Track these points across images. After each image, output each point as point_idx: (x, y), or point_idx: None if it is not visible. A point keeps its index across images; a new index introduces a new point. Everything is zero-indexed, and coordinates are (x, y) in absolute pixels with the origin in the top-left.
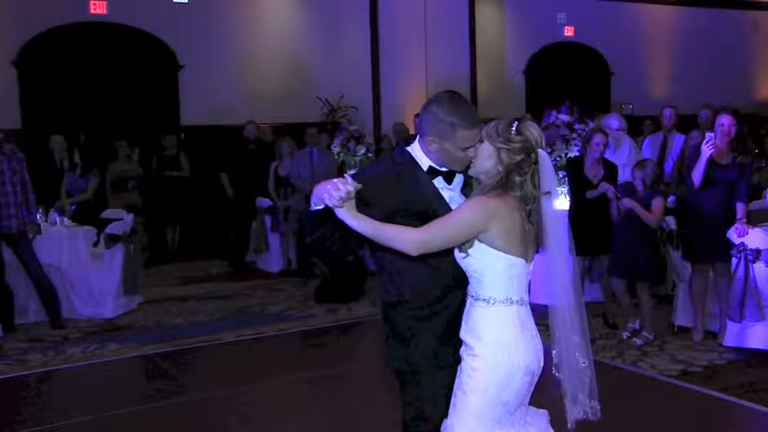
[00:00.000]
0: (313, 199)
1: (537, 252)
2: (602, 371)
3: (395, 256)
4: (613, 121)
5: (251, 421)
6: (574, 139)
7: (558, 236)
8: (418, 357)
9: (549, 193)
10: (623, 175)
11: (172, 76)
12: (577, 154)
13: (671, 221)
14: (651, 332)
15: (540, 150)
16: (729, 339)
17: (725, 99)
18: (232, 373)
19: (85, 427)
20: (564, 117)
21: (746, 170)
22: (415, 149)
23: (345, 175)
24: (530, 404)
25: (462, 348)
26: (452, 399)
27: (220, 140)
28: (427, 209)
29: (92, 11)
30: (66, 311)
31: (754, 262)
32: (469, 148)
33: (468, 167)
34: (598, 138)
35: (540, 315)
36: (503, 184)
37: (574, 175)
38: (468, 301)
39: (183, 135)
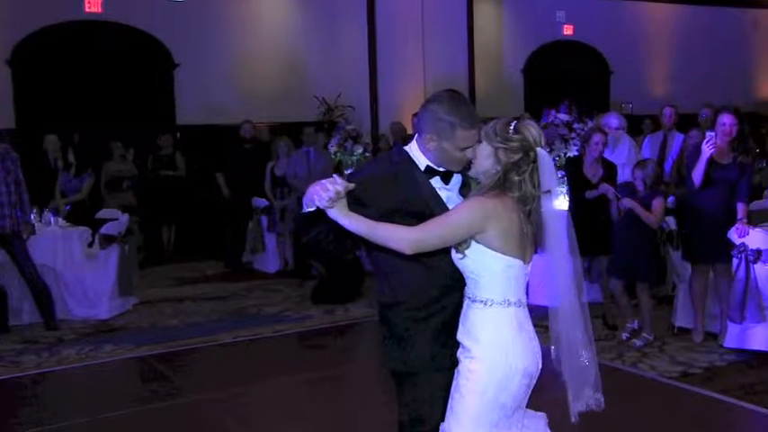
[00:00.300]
0: (304, 201)
1: (536, 252)
2: (602, 372)
3: (391, 256)
4: (613, 120)
5: (248, 423)
6: (573, 138)
7: (559, 235)
8: (415, 359)
9: (549, 192)
10: (622, 175)
11: (167, 74)
12: (576, 153)
13: (671, 221)
14: (651, 333)
15: (538, 149)
16: (730, 341)
17: (725, 98)
18: (229, 374)
19: (80, 430)
20: (563, 116)
21: (747, 170)
22: (413, 149)
23: (334, 174)
24: (528, 407)
25: (459, 350)
26: (450, 401)
27: (216, 140)
28: (424, 209)
29: (86, 9)
30: (60, 312)
31: (754, 262)
32: (468, 148)
33: (465, 167)
34: (597, 137)
35: (540, 316)
36: (501, 185)
37: (573, 174)
38: (466, 302)
39: (178, 134)
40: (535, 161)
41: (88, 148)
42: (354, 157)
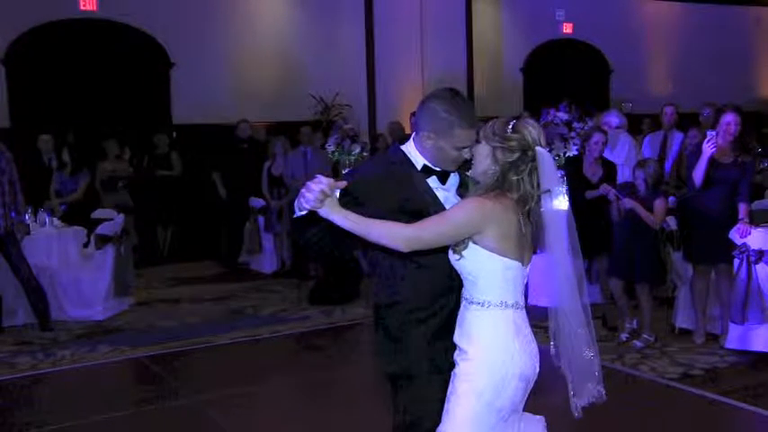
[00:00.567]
0: (295, 205)
1: (536, 252)
2: (602, 373)
3: (387, 256)
4: (613, 118)
5: (246, 425)
6: (573, 138)
7: (560, 235)
8: (411, 361)
9: (549, 191)
10: (621, 175)
11: (163, 73)
12: (576, 153)
13: (672, 222)
14: (651, 334)
15: (538, 148)
16: (731, 342)
17: (727, 97)
18: (226, 375)
19: None
20: (562, 115)
21: (748, 169)
22: (410, 148)
23: (317, 175)
24: (526, 409)
25: (456, 353)
26: (446, 404)
27: (213, 139)
28: (422, 208)
29: (82, 7)
30: (55, 313)
31: (756, 263)
32: (465, 148)
33: (461, 166)
34: (597, 136)
35: (539, 317)
36: (500, 185)
37: (572, 174)
38: (463, 303)
39: (174, 134)
40: (534, 160)
41: (83, 147)
42: (352, 157)
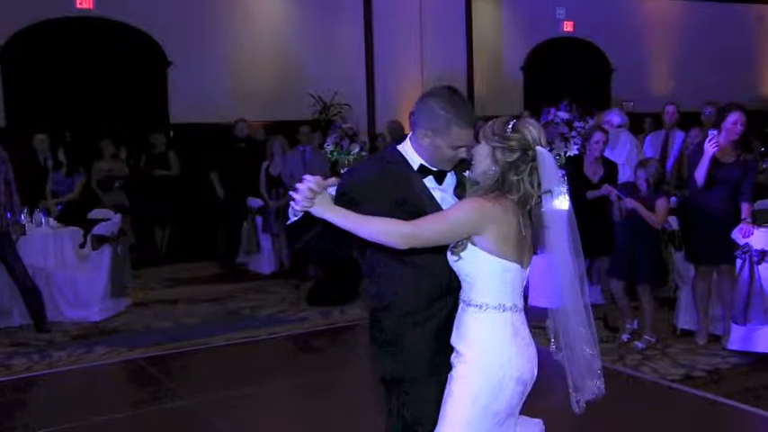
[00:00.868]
0: (289, 212)
1: (536, 253)
2: (603, 375)
3: (383, 256)
4: (614, 117)
5: (243, 427)
6: (573, 137)
7: (561, 235)
8: (407, 364)
9: (549, 191)
10: (622, 176)
11: (160, 72)
12: (576, 153)
13: (673, 222)
14: (653, 335)
15: (538, 147)
16: (734, 343)
17: (728, 95)
18: (223, 377)
19: None
20: (563, 114)
21: (751, 168)
22: (406, 147)
23: (305, 176)
24: (525, 412)
25: (453, 355)
26: (442, 407)
27: (210, 139)
28: (419, 209)
29: (78, 5)
30: (51, 314)
31: (759, 263)
32: (462, 147)
33: (457, 166)
34: (597, 136)
35: (540, 318)
36: (500, 186)
37: (573, 174)
38: (460, 306)
39: (171, 133)
40: (534, 160)
41: (80, 146)
42: (351, 157)
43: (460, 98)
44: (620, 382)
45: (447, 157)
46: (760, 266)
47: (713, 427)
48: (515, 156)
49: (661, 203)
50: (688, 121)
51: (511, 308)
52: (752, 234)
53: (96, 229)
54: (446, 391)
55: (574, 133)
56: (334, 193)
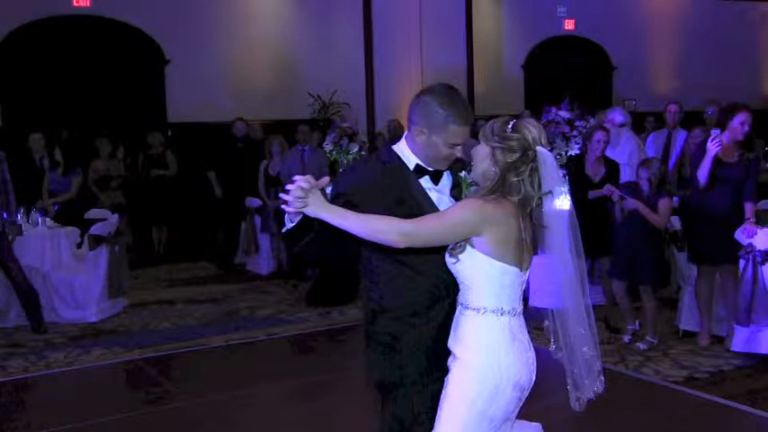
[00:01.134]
0: (285, 219)
1: (537, 253)
2: (605, 376)
3: (380, 260)
4: (617, 115)
5: (241, 428)
6: (575, 136)
7: (562, 235)
8: (403, 368)
9: (550, 192)
10: (622, 175)
11: (158, 71)
12: (578, 152)
13: (675, 222)
14: (655, 337)
15: (538, 148)
16: (737, 344)
17: (732, 94)
18: (221, 379)
19: None
20: (564, 114)
21: (754, 168)
22: (402, 147)
23: (295, 177)
24: (525, 415)
25: (450, 358)
26: (438, 411)
27: (208, 138)
28: (415, 210)
29: (75, 3)
30: (48, 315)
31: (762, 264)
32: (457, 145)
33: (452, 166)
34: (599, 135)
35: (540, 319)
36: (500, 187)
37: (574, 174)
38: (458, 309)
39: (169, 132)
40: (534, 161)
41: (77, 146)
42: (350, 156)
43: (457, 95)
44: (621, 384)
45: (443, 155)
46: (764, 267)
47: (716, 429)
48: (515, 156)
49: (664, 204)
50: (690, 120)
51: (509, 312)
52: (756, 234)
53: (93, 229)
54: (442, 395)
55: (575, 132)
56: (329, 193)
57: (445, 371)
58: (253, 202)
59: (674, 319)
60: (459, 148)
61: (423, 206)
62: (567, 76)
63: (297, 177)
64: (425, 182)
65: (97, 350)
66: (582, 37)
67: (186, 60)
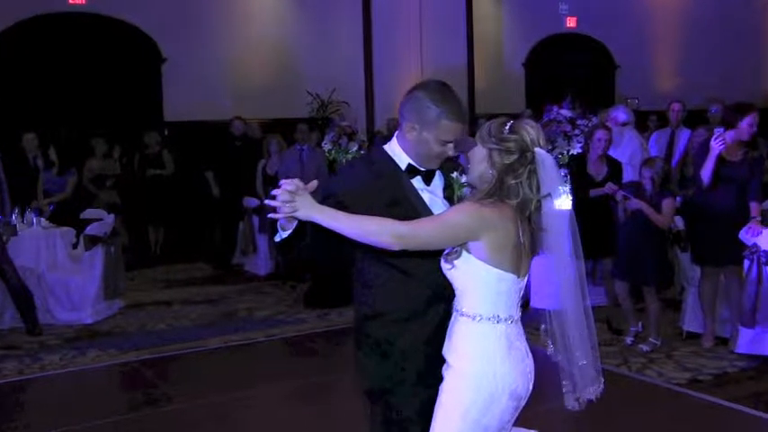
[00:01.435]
0: (278, 226)
1: (536, 254)
2: (607, 378)
3: (373, 261)
4: (620, 114)
5: (240, 431)
6: (577, 135)
7: (562, 236)
8: (395, 373)
9: (548, 195)
10: (624, 175)
11: (154, 69)
12: (580, 151)
13: (679, 222)
14: (658, 338)
15: (537, 149)
16: (742, 346)
17: (736, 92)
18: (218, 380)
19: None
20: (566, 112)
21: (758, 166)
22: (393, 146)
23: (282, 180)
24: (525, 418)
25: (444, 366)
26: (432, 419)
27: (205, 137)
28: (410, 211)
29: (70, 1)
30: (43, 317)
31: (767, 264)
32: (449, 143)
33: (443, 166)
34: (600, 133)
35: (539, 320)
36: (497, 191)
37: (576, 173)
38: (453, 315)
39: (166, 131)
40: (533, 162)
41: (72, 145)
42: (350, 155)
43: (450, 92)
44: (624, 386)
45: (434, 152)
46: None
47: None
48: (513, 158)
49: (667, 203)
50: (693, 119)
51: (506, 319)
52: (760, 234)
53: (89, 230)
54: (437, 404)
55: (577, 131)
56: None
57: (439, 378)
58: (251, 201)
59: (677, 320)
60: (450, 145)
61: (417, 207)
62: (568, 74)
63: (283, 181)
64: (417, 182)
65: (93, 352)
66: (584, 34)
67: (183, 58)
